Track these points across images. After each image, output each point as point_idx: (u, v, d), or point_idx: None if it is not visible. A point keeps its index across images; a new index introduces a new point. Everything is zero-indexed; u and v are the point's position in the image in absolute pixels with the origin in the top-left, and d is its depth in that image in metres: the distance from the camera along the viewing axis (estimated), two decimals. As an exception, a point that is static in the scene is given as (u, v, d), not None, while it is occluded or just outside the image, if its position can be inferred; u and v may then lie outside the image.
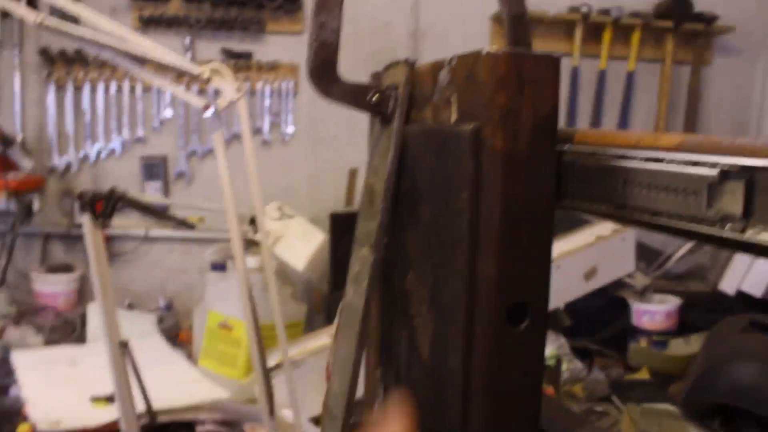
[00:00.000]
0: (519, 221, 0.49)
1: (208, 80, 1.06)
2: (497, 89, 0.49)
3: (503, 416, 0.52)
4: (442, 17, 2.85)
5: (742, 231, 0.37)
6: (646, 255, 2.57)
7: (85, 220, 1.20)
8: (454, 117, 0.54)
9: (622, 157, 0.46)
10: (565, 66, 3.01)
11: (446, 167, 0.53)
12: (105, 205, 1.20)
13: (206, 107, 1.01)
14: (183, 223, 1.37)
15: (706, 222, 0.39)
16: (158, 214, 1.27)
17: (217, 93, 1.10)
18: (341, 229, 0.73)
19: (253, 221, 1.53)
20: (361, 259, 0.61)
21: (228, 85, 1.06)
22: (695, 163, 0.40)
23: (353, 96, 0.62)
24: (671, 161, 0.42)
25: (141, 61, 1.10)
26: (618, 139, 0.48)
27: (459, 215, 0.51)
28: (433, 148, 0.56)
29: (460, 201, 0.51)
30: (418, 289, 0.59)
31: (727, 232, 0.38)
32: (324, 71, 0.61)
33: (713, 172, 0.38)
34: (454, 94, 0.54)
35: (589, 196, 0.50)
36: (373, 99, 0.63)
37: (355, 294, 0.61)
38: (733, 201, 0.38)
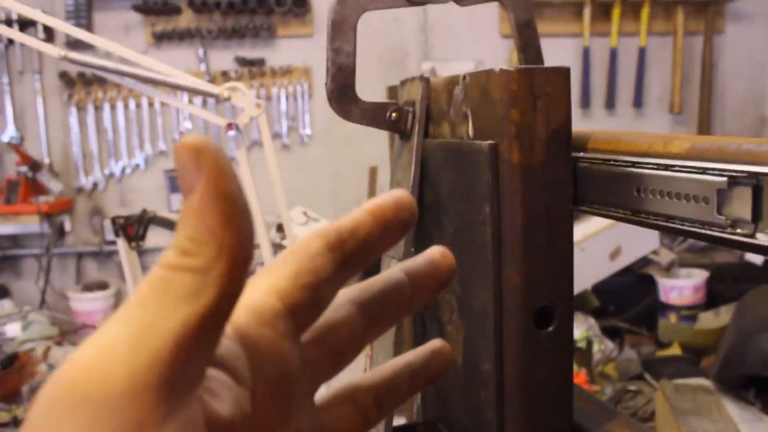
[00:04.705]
0: (539, 229, 0.52)
1: (227, 99, 1.09)
2: (511, 106, 0.51)
3: (537, 414, 0.55)
4: (451, 9, 2.86)
5: (752, 235, 0.39)
6: (670, 230, 2.57)
7: (120, 243, 1.24)
8: (471, 132, 0.57)
9: (634, 164, 0.48)
10: (576, 47, 3.00)
11: (467, 180, 0.56)
12: (137, 227, 1.24)
13: (229, 127, 1.05)
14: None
15: (717, 227, 0.42)
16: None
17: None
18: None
19: (280, 228, 1.57)
20: (392, 272, 0.64)
21: (247, 102, 1.09)
22: (704, 170, 0.42)
23: (373, 115, 0.65)
24: (681, 168, 0.44)
25: (160, 84, 1.13)
26: (629, 146, 0.50)
27: (482, 227, 0.53)
28: (453, 162, 0.58)
29: (483, 214, 0.53)
30: (448, 298, 0.61)
31: (738, 235, 0.40)
32: (343, 94, 0.63)
33: (722, 179, 0.41)
34: (469, 110, 0.57)
35: (605, 202, 0.52)
36: (392, 117, 0.66)
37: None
38: (741, 206, 0.40)
